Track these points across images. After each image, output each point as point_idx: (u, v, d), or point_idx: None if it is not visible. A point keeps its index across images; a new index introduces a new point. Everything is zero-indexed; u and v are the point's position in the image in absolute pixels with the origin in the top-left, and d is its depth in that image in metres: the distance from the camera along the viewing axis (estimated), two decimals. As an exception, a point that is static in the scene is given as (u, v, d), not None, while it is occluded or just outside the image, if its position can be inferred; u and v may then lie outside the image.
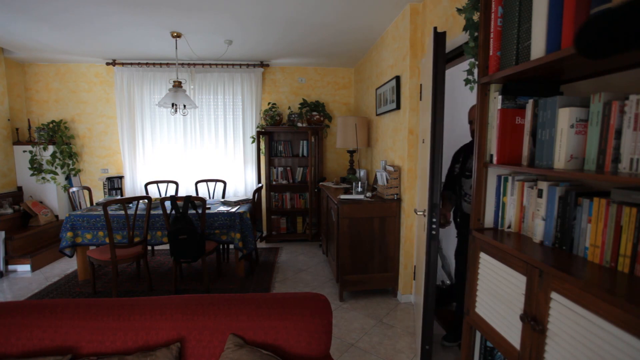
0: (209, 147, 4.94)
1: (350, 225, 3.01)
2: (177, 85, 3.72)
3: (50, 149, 4.51)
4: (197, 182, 4.50)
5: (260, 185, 4.23)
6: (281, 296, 1.37)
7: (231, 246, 4.35)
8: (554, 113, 1.08)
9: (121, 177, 4.90)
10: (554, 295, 0.96)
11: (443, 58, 1.82)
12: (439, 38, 1.81)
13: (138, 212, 3.14)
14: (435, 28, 1.84)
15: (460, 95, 3.15)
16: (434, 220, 1.89)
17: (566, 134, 1.03)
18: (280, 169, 5.02)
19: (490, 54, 1.28)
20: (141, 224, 3.24)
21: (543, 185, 1.17)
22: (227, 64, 4.78)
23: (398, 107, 3.10)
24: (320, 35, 3.68)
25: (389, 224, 3.06)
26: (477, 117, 1.37)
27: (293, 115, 4.80)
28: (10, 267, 3.83)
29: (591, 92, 0.98)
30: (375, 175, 3.75)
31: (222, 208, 3.54)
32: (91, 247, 3.60)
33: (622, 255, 0.92)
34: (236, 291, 3.30)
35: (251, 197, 3.95)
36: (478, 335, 1.42)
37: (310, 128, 4.75)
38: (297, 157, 5.02)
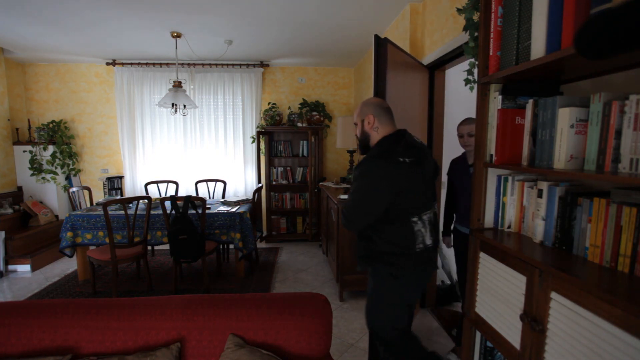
0: (209, 147, 4.94)
1: (350, 225, 3.00)
2: (177, 85, 3.72)
3: (50, 149, 4.51)
4: (197, 182, 4.49)
5: (260, 185, 4.22)
6: (281, 296, 1.37)
7: (231, 246, 4.34)
8: (554, 113, 1.08)
9: (121, 177, 4.90)
10: (553, 295, 0.96)
11: (384, 63, 1.89)
12: (381, 43, 1.89)
13: (138, 212, 3.14)
14: (376, 35, 1.90)
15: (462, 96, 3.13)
16: None
17: (566, 134, 1.03)
18: (280, 169, 5.02)
19: (490, 54, 1.27)
20: (141, 224, 3.24)
21: (543, 185, 1.17)
22: (227, 64, 4.78)
23: (398, 107, 3.10)
24: (320, 35, 3.68)
25: (389, 224, 3.06)
26: (477, 117, 1.37)
27: (293, 115, 4.80)
28: (10, 267, 3.83)
29: (591, 92, 0.98)
30: (375, 175, 3.73)
31: (222, 208, 3.54)
32: (91, 247, 3.60)
33: (622, 255, 0.92)
34: (236, 291, 3.30)
35: (251, 197, 3.95)
36: (478, 335, 1.42)
37: (310, 128, 4.75)
38: (297, 157, 5.01)
